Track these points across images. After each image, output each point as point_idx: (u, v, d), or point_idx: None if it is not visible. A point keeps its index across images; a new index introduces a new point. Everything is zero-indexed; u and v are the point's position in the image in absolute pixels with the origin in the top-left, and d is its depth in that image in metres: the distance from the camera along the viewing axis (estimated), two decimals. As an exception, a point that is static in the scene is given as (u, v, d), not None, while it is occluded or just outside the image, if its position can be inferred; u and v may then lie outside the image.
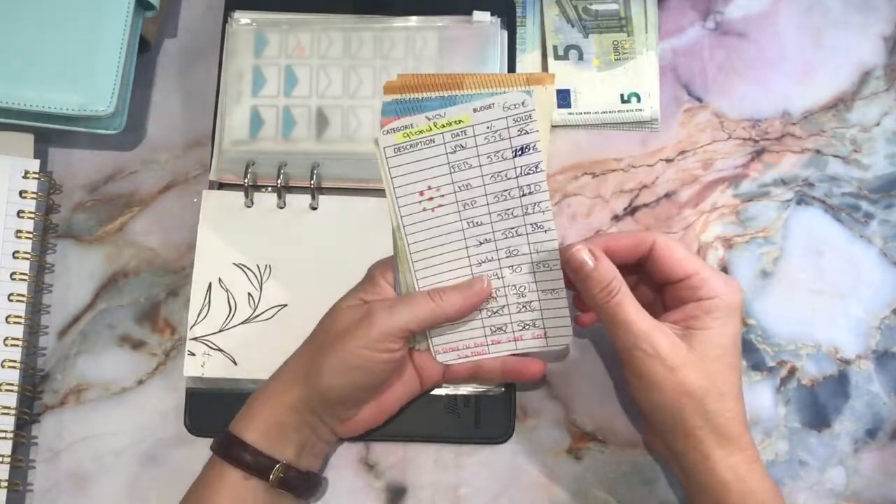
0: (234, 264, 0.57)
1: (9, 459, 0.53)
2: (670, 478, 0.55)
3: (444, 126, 0.49)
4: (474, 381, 0.55)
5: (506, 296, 0.52)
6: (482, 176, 0.49)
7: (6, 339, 0.55)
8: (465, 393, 0.56)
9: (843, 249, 0.60)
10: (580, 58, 0.62)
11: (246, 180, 0.57)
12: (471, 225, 0.50)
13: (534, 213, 0.50)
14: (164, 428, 0.56)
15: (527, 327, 0.52)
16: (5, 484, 0.53)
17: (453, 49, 0.60)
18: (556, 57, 0.62)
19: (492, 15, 0.61)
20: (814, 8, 0.64)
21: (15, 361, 0.54)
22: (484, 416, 0.56)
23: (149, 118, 0.61)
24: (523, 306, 0.52)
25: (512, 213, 0.50)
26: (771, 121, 0.62)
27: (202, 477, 0.50)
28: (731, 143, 0.61)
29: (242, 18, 0.61)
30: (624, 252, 0.50)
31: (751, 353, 0.58)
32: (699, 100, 0.62)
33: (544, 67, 0.62)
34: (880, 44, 0.63)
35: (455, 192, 0.50)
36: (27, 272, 0.56)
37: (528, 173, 0.49)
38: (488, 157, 0.49)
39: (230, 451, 0.49)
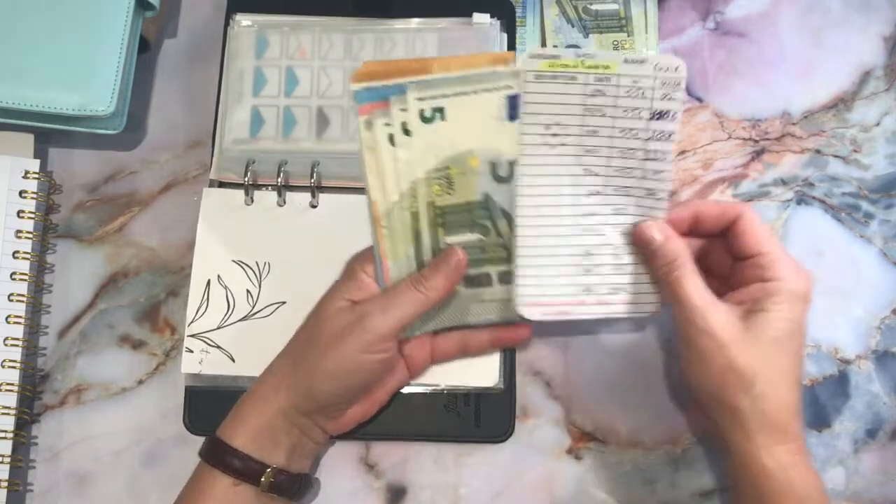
0: (233, 261, 0.57)
1: (9, 459, 0.53)
2: (670, 478, 0.55)
3: (590, 67, 0.47)
4: (462, 356, 0.54)
5: (602, 255, 0.50)
6: (613, 128, 0.48)
7: (6, 339, 0.55)
8: (465, 392, 0.56)
9: (843, 249, 0.60)
10: (580, 58, 0.62)
11: (246, 179, 0.57)
12: (587, 173, 0.49)
13: (652, 179, 0.48)
14: (164, 428, 0.56)
15: (616, 291, 0.51)
16: (5, 484, 0.53)
17: (453, 51, 0.60)
18: (556, 57, 0.62)
19: (491, 17, 0.61)
20: (814, 8, 0.64)
21: (15, 361, 0.54)
22: (484, 415, 0.56)
23: (149, 118, 0.62)
24: (617, 268, 0.51)
25: (630, 173, 0.49)
26: (771, 121, 0.62)
27: (192, 483, 0.49)
28: (731, 143, 0.61)
29: (244, 20, 0.61)
30: (711, 220, 0.50)
31: (751, 352, 0.58)
32: (699, 100, 0.62)
33: (544, 67, 0.62)
34: (880, 44, 0.63)
35: (580, 136, 0.48)
36: (27, 272, 0.56)
37: (660, 139, 0.48)
38: (625, 110, 0.48)
39: (219, 457, 0.48)
